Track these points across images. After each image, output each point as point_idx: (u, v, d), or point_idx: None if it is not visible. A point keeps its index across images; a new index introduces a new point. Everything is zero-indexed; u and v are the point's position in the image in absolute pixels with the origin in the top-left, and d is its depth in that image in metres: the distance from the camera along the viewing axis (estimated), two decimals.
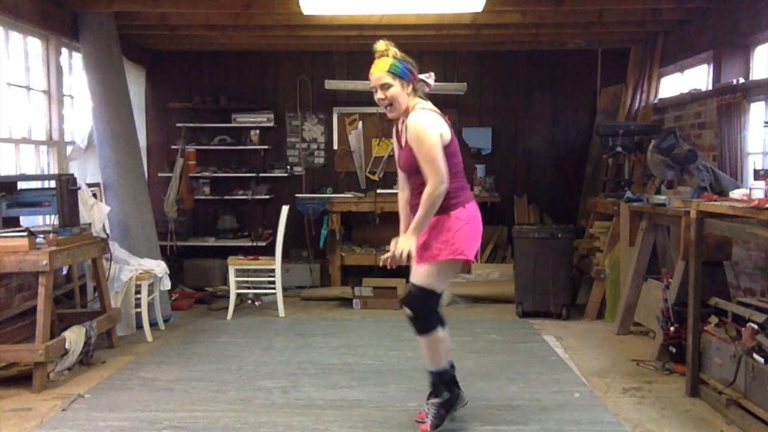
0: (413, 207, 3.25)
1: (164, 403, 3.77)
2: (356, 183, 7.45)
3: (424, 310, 3.25)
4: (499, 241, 7.25)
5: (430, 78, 3.28)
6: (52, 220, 4.52)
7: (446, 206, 3.18)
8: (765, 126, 4.72)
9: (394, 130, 3.38)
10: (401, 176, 3.41)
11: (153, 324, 5.29)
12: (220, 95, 7.34)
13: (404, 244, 3.14)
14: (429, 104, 3.25)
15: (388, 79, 3.14)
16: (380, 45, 3.21)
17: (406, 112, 3.21)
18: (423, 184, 3.13)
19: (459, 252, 3.18)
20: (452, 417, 3.39)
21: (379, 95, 3.18)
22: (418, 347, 4.78)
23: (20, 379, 4.03)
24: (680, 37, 6.15)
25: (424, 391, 3.77)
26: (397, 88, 3.16)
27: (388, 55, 3.17)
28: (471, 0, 5.07)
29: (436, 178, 3.08)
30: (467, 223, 3.21)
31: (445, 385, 3.34)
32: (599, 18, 5.82)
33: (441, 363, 3.32)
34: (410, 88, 3.20)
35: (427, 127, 3.11)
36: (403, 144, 3.24)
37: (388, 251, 3.23)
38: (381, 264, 3.27)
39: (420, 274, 3.23)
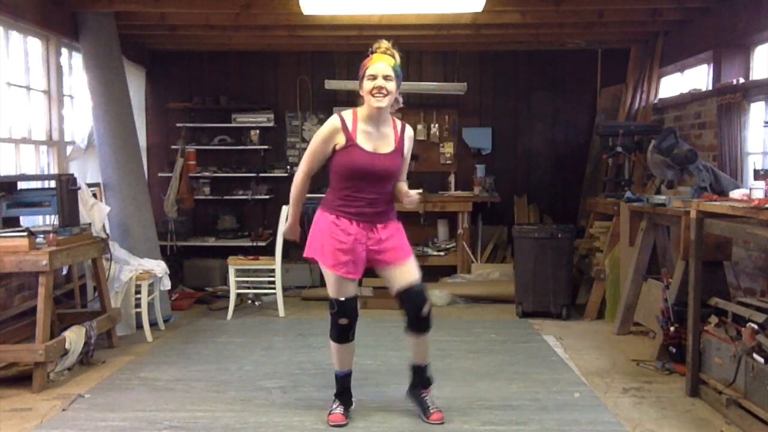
0: (373, 214, 3.37)
1: (164, 403, 3.77)
2: None
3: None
4: (499, 241, 7.25)
5: (401, 98, 3.41)
6: (52, 220, 4.52)
7: (395, 213, 3.52)
8: (765, 126, 4.72)
9: (354, 128, 3.34)
10: (311, 168, 3.52)
11: (153, 324, 5.29)
12: (220, 95, 7.34)
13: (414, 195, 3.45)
14: None
15: (392, 74, 3.27)
16: (384, 43, 3.34)
17: (386, 118, 3.35)
18: (389, 191, 3.41)
19: None
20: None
21: (379, 82, 3.23)
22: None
23: (20, 379, 4.03)
24: (680, 37, 6.15)
25: None
26: (394, 85, 3.29)
27: (393, 57, 3.31)
28: (471, 0, 5.07)
29: None
30: None
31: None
32: (599, 18, 5.82)
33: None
34: (397, 94, 3.34)
35: None
36: (393, 149, 3.36)
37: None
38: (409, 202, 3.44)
39: (415, 271, 3.41)
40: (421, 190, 3.55)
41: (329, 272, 3.40)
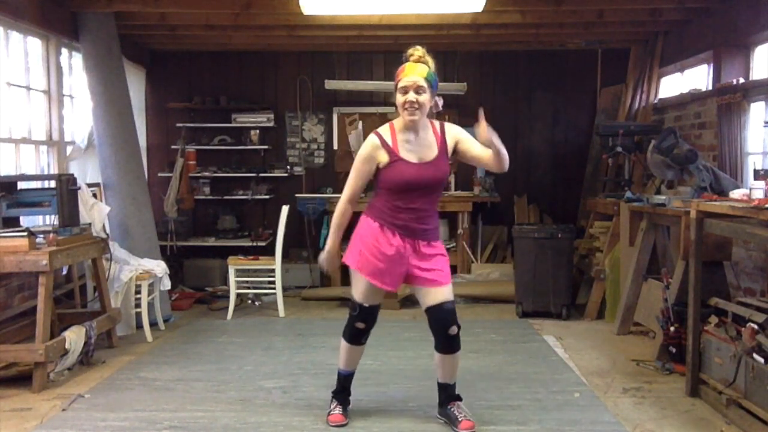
0: (419, 231, 3.28)
1: (164, 403, 3.77)
2: None
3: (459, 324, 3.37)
4: (499, 241, 7.25)
5: (440, 100, 3.34)
6: (52, 220, 4.52)
7: (438, 233, 3.42)
8: (765, 126, 4.72)
9: (394, 142, 3.26)
10: (356, 190, 3.32)
11: (153, 324, 5.29)
12: (220, 95, 7.34)
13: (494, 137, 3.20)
14: None
15: (424, 85, 3.18)
16: (418, 50, 3.24)
17: (425, 124, 3.28)
18: (436, 203, 3.35)
19: None
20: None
21: (410, 97, 3.16)
22: (417, 347, 4.79)
23: (20, 379, 4.03)
24: (680, 37, 6.15)
25: (424, 390, 3.80)
26: (427, 96, 3.20)
27: (427, 64, 3.22)
28: (471, 0, 5.07)
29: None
30: None
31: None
32: (599, 18, 5.82)
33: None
34: (433, 101, 3.27)
35: None
36: (437, 153, 3.26)
37: None
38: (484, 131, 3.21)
39: (449, 293, 3.33)
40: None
41: (363, 278, 3.31)
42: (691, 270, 3.83)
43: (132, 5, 5.52)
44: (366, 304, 3.35)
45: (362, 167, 3.30)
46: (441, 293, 3.29)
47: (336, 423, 3.41)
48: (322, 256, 3.45)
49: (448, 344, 3.32)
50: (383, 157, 3.25)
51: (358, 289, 3.35)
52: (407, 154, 3.24)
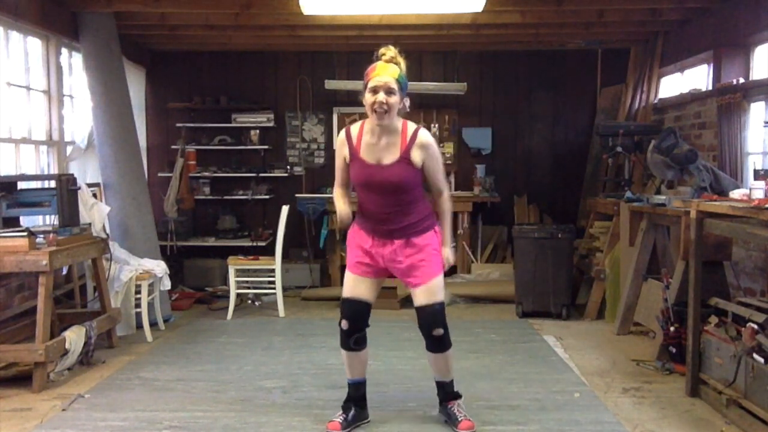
0: (386, 231, 3.26)
1: (164, 403, 3.77)
2: None
3: (446, 325, 3.35)
4: (499, 241, 7.25)
5: (407, 101, 3.28)
6: (52, 220, 4.52)
7: (432, 223, 3.35)
8: (765, 126, 4.72)
9: (358, 140, 3.26)
10: (340, 180, 3.37)
11: (153, 324, 5.29)
12: (220, 95, 7.34)
13: (451, 255, 3.39)
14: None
15: (395, 87, 3.13)
16: (390, 51, 3.19)
17: (393, 128, 3.21)
18: (410, 203, 3.24)
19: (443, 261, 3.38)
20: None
21: (380, 98, 3.09)
22: (417, 347, 4.79)
23: (20, 379, 4.03)
24: (680, 37, 6.15)
25: (424, 390, 3.80)
26: (397, 98, 3.15)
27: (398, 65, 3.18)
28: (471, 0, 5.07)
29: (448, 189, 3.43)
30: None
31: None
32: (599, 18, 5.82)
33: (453, 372, 3.49)
34: (402, 103, 3.21)
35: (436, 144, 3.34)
36: (397, 158, 3.19)
37: None
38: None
39: (436, 291, 3.29)
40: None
41: (347, 272, 3.37)
42: (691, 270, 3.82)
43: (132, 5, 5.52)
44: (345, 295, 3.34)
45: (337, 160, 3.38)
46: (423, 295, 3.27)
47: (331, 430, 3.35)
48: (339, 217, 3.34)
49: (434, 344, 3.34)
50: (347, 153, 3.29)
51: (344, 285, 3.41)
52: (367, 155, 3.23)
